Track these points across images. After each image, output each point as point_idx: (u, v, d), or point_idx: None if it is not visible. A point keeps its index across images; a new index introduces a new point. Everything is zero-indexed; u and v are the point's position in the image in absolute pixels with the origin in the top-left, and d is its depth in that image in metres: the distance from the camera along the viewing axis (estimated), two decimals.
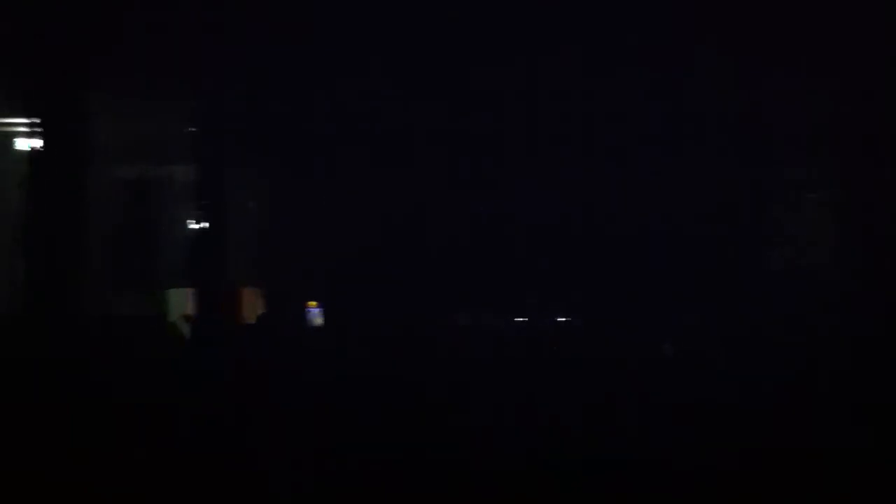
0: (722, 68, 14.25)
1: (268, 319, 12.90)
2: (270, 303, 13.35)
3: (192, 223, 13.96)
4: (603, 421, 7.89)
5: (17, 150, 13.94)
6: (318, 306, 13.07)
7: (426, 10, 13.75)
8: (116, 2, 12.82)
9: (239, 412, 7.57)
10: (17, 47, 12.64)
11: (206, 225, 13.34)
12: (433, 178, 14.56)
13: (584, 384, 8.95)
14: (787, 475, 6.75)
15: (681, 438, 7.44)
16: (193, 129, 14.04)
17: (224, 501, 6.14)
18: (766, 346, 11.15)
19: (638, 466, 6.83)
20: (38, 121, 12.73)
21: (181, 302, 12.84)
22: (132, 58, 13.07)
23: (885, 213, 14.04)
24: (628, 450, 7.18)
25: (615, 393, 8.67)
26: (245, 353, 10.55)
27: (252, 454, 6.67)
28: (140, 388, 8.25)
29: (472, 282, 14.00)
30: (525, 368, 9.73)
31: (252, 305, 13.18)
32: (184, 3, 13.09)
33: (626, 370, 9.48)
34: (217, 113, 13.80)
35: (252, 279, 13.65)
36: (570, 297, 14.14)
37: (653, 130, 14.25)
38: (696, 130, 14.25)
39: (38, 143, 12.70)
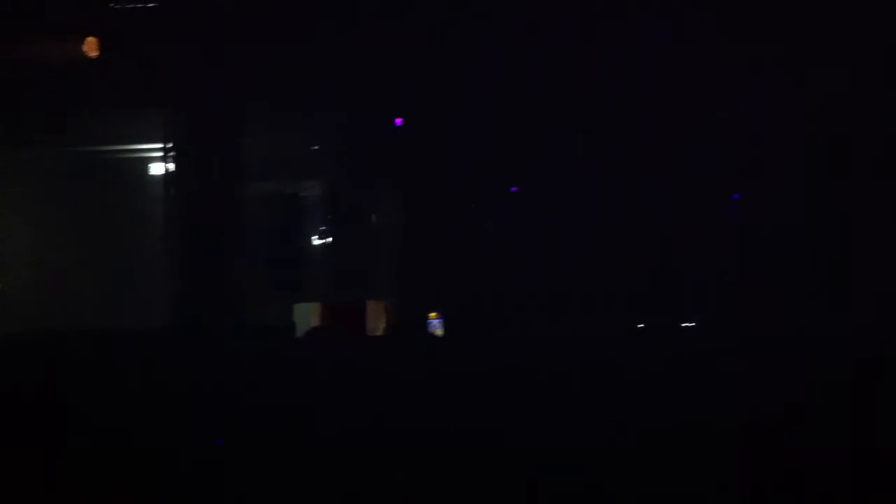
0: None
1: (393, 331, 13.40)
2: (395, 314, 13.80)
3: (319, 237, 14.53)
4: None
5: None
6: (438, 317, 13.48)
7: None
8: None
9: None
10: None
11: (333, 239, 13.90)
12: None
13: None
14: None
15: None
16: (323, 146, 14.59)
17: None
18: None
19: None
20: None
21: (310, 315, 13.37)
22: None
23: None
24: None
25: None
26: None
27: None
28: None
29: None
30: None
31: (377, 318, 13.64)
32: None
33: None
34: (346, 129, 14.32)
35: (377, 292, 14.10)
36: None
37: None
38: None
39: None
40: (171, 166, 13.59)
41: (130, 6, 13.98)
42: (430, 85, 14.30)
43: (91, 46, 13.67)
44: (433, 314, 13.54)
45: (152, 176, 14.59)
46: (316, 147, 14.73)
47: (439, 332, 13.31)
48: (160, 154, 14.10)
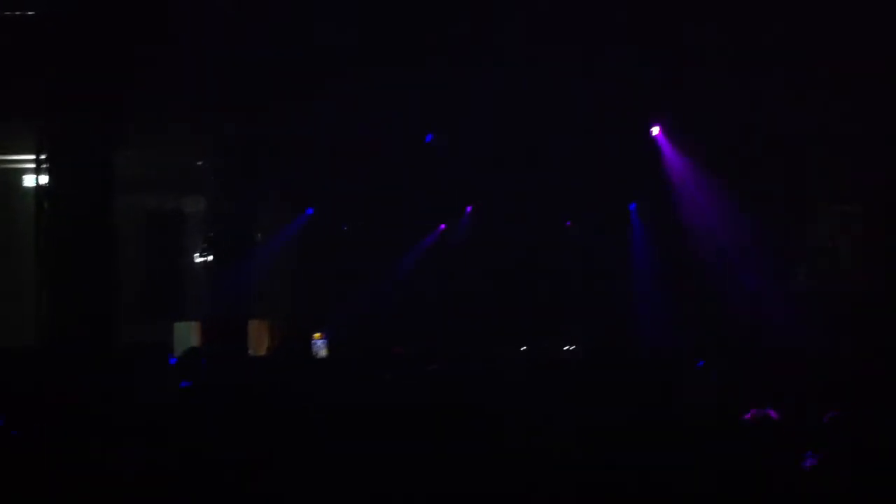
0: None
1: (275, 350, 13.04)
2: (277, 334, 13.49)
3: (201, 256, 14.09)
4: None
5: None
6: (322, 338, 13.21)
7: None
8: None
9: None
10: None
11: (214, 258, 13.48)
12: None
13: None
14: None
15: None
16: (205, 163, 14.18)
17: None
18: None
19: None
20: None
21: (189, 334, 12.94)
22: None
23: None
24: None
25: None
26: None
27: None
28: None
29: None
30: None
31: (259, 337, 13.30)
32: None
33: None
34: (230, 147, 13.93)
35: (260, 312, 13.74)
36: None
37: None
38: None
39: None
40: (44, 179, 12.99)
41: (8, 13, 13.49)
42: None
43: None
44: (318, 335, 13.28)
45: (24, 188, 14.05)
46: (200, 163, 14.31)
47: (324, 352, 13.02)
48: (32, 166, 13.49)
